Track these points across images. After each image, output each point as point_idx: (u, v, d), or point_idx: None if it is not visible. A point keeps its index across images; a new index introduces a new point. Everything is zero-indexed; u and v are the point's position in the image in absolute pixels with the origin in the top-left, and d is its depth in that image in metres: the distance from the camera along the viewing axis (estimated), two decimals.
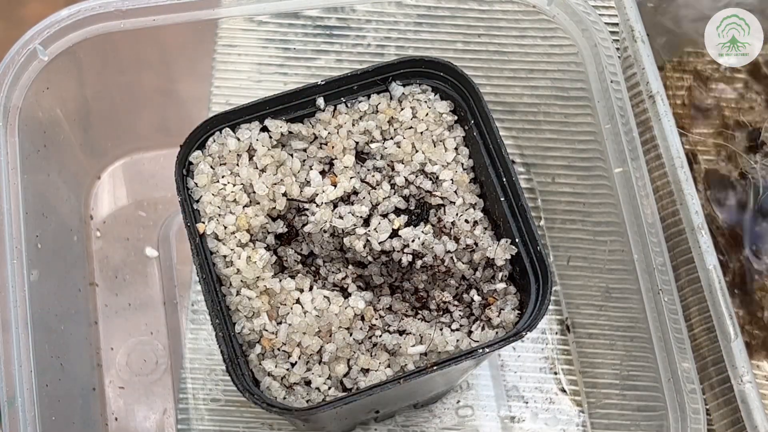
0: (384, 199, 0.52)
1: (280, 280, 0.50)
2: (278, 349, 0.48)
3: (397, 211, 0.52)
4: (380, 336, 0.49)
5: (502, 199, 0.51)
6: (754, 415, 0.52)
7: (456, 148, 0.54)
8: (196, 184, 0.51)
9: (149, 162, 0.73)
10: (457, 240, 0.51)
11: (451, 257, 0.51)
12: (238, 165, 0.52)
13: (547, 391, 0.66)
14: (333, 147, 0.53)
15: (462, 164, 0.54)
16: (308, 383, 0.48)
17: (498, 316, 0.50)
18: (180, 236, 0.71)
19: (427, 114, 0.54)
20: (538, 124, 0.71)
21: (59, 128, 0.64)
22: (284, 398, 0.48)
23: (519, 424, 0.65)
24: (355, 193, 0.52)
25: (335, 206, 0.52)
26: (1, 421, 0.50)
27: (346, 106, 0.54)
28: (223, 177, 0.51)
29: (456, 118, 0.54)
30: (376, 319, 0.50)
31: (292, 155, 0.53)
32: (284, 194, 0.52)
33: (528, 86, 0.71)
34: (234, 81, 0.75)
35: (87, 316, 0.67)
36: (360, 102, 0.54)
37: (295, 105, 0.53)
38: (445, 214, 0.52)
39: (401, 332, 0.50)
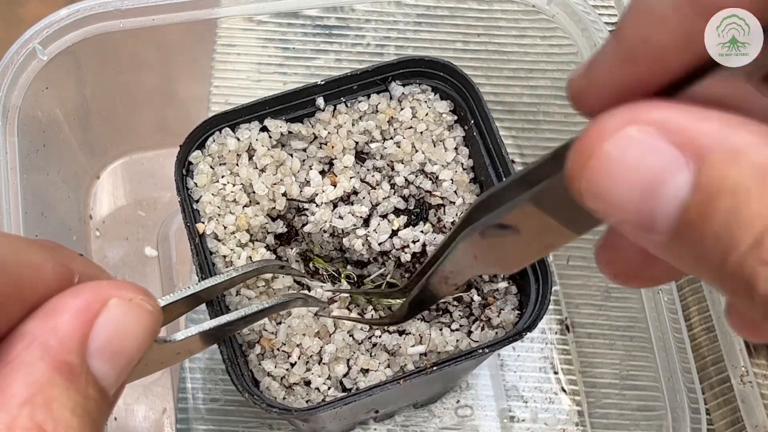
0: (384, 199, 0.52)
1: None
2: (278, 350, 0.48)
3: (397, 212, 0.52)
4: (380, 336, 0.49)
5: None
6: (754, 414, 0.52)
7: (456, 148, 0.54)
8: (195, 184, 0.51)
9: (149, 161, 0.73)
10: None
11: None
12: (237, 165, 0.52)
13: (547, 390, 0.66)
14: (333, 147, 0.53)
15: (462, 164, 0.54)
16: (308, 383, 0.48)
17: (498, 316, 0.50)
18: (179, 236, 0.70)
19: (426, 114, 0.54)
20: (538, 123, 0.71)
21: (58, 128, 0.64)
22: (284, 398, 0.47)
23: (518, 424, 0.65)
24: (355, 193, 0.52)
25: (335, 206, 0.52)
26: None
27: (346, 105, 0.54)
28: (222, 177, 0.51)
29: (456, 118, 0.54)
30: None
31: (291, 155, 0.53)
32: (284, 194, 0.51)
33: (527, 86, 0.71)
34: (233, 81, 0.75)
35: None
36: (360, 102, 0.54)
37: (294, 105, 0.53)
38: (444, 214, 0.52)
39: (401, 332, 0.50)
